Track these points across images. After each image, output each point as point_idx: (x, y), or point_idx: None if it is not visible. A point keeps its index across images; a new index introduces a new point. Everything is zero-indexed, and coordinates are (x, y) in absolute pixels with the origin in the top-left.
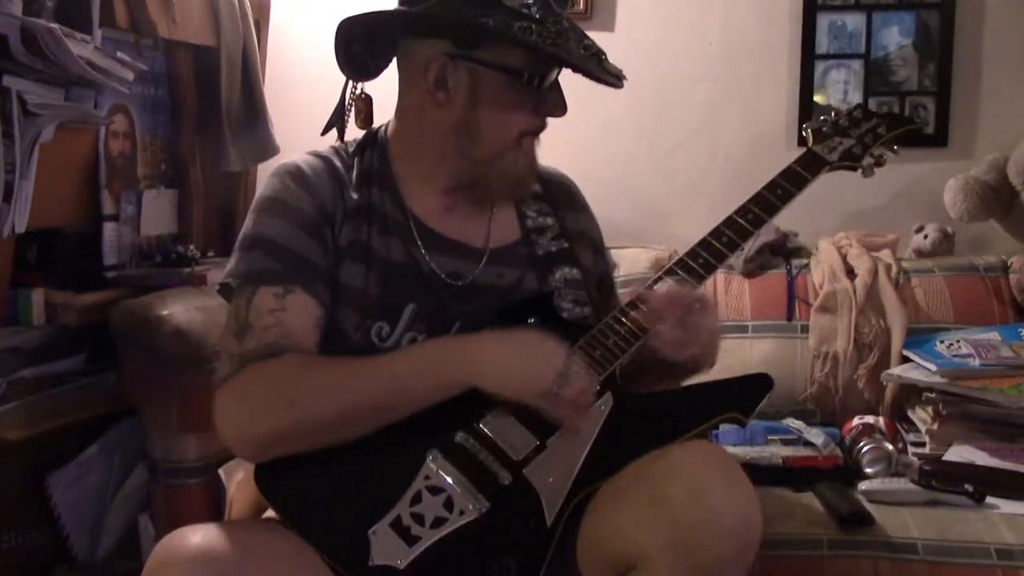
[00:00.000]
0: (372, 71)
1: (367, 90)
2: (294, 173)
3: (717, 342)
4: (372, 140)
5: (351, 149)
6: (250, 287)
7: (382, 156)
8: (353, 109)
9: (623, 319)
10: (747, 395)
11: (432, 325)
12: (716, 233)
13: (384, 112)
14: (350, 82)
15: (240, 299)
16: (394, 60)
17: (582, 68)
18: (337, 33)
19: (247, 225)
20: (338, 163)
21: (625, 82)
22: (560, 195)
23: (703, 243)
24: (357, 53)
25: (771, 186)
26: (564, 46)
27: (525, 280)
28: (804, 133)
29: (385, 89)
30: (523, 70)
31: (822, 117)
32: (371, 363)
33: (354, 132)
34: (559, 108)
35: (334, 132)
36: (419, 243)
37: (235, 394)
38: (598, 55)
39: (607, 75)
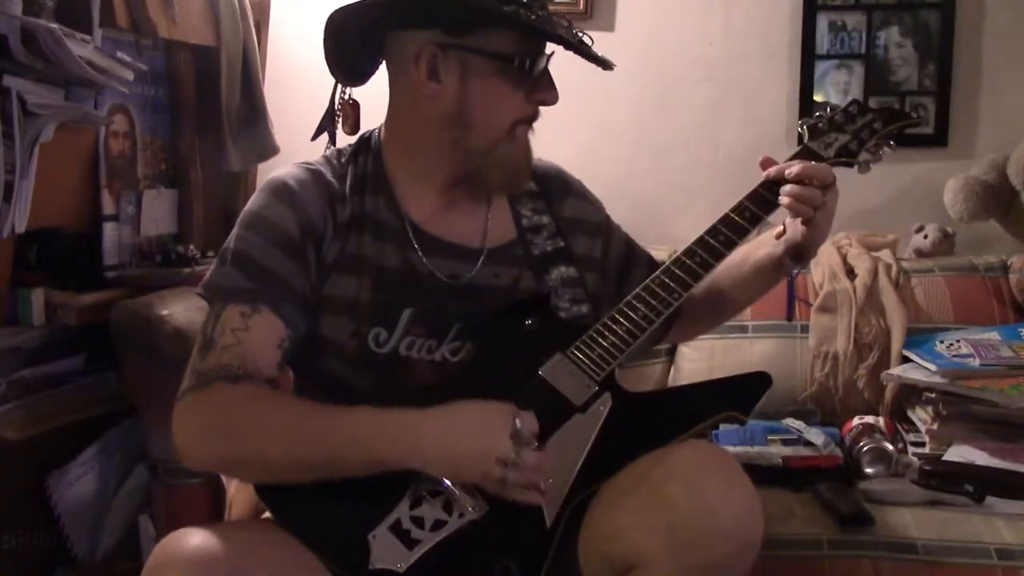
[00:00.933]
0: (360, 75)
1: (355, 96)
2: (280, 189)
3: (829, 228)
4: (366, 145)
5: (344, 157)
6: (220, 303)
7: (376, 160)
8: (341, 115)
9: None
10: (746, 393)
11: (430, 328)
12: (713, 231)
13: (372, 119)
14: (338, 87)
15: (211, 313)
16: (383, 65)
17: (575, 47)
18: (326, 28)
19: (230, 238)
20: (329, 175)
21: (615, 67)
22: (553, 187)
23: (700, 242)
24: (346, 53)
25: (767, 183)
26: (553, 31)
27: (522, 280)
28: (800, 129)
29: (373, 94)
30: (514, 56)
31: (817, 113)
32: (320, 417)
33: (344, 138)
34: (551, 94)
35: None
36: (416, 247)
37: (191, 412)
38: (584, 42)
39: (597, 56)
